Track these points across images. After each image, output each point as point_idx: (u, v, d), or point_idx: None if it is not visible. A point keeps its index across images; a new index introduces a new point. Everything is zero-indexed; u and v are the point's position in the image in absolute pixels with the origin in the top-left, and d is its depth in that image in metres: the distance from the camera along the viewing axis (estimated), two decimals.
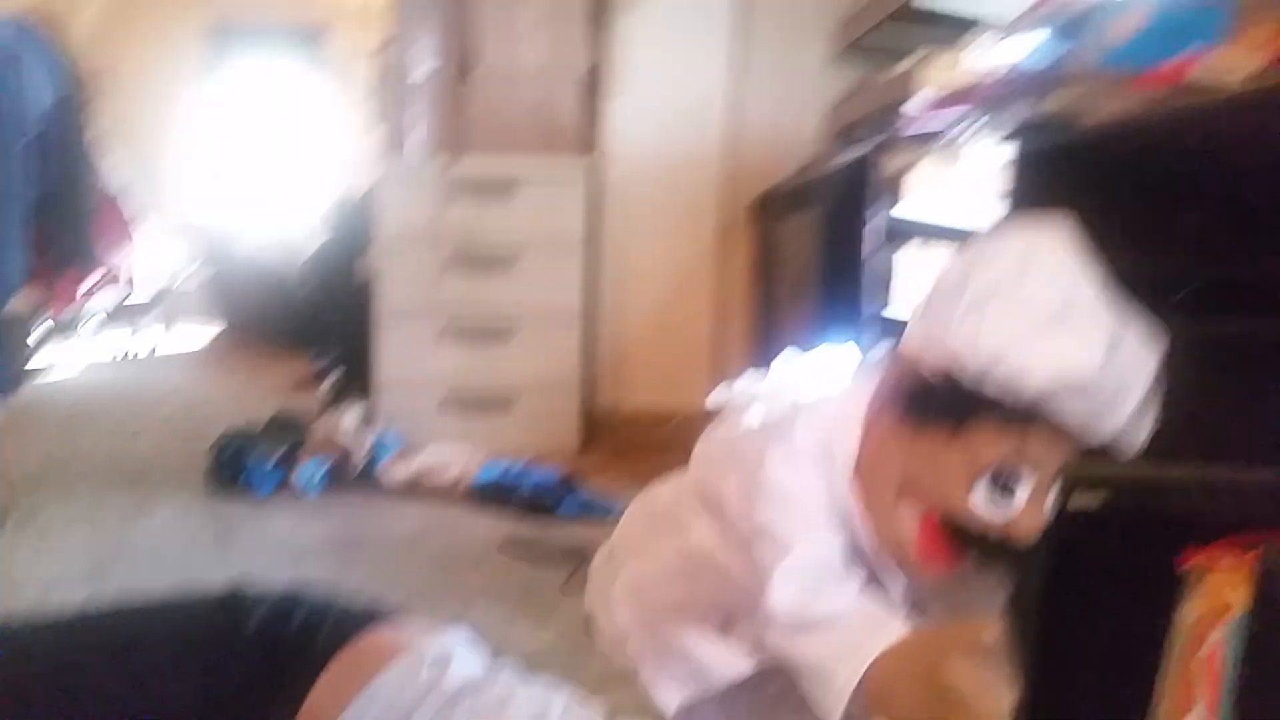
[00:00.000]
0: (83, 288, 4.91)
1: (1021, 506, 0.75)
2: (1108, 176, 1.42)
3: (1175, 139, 1.25)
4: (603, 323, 3.45)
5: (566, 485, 2.53)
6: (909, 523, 0.78)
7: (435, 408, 3.07)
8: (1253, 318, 1.18)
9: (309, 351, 4.44)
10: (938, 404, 0.76)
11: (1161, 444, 1.14)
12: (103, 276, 4.77)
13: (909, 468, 0.78)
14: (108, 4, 5.63)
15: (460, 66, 3.29)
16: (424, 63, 3.30)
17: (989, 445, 0.74)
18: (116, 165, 4.85)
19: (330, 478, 2.70)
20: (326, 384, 3.50)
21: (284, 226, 5.81)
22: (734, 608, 0.89)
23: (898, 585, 0.83)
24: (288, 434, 2.97)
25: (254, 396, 4.03)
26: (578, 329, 3.16)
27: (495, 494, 2.54)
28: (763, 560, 0.77)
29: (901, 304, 2.11)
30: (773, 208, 3.10)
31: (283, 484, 2.63)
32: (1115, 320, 0.74)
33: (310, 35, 7.21)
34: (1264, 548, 0.93)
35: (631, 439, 3.26)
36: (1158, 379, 0.77)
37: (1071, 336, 0.72)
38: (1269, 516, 1.04)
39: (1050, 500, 0.77)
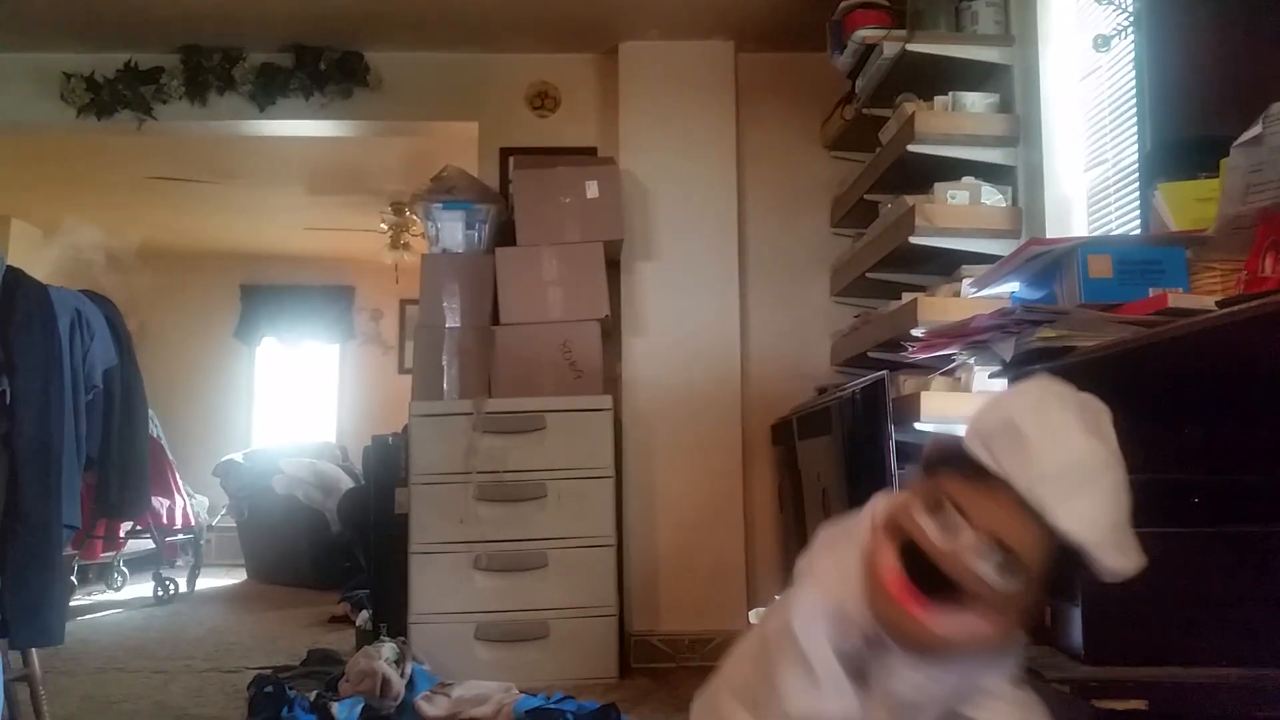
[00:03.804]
0: (125, 530, 5.02)
1: (960, 540, 0.97)
2: (1107, 397, 1.57)
3: (1165, 359, 1.41)
4: (635, 548, 3.55)
5: (608, 715, 2.53)
6: (886, 566, 1.00)
7: (470, 639, 3.11)
8: (1266, 519, 1.30)
9: (342, 589, 4.48)
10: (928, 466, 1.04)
11: (1194, 645, 1.24)
12: (144, 519, 4.90)
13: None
14: (150, 268, 6.04)
15: (485, 318, 3.54)
16: (451, 315, 3.55)
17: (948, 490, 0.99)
18: (157, 414, 5.08)
19: (367, 713, 2.70)
20: (361, 619, 3.53)
21: (318, 468, 5.98)
22: None
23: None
24: (324, 670, 3.00)
25: (288, 634, 4.04)
26: (610, 556, 3.24)
27: None
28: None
29: None
30: (793, 430, 3.26)
31: None
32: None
33: (339, 292, 7.69)
34: None
35: (673, 662, 3.29)
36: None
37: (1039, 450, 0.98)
38: None
39: (986, 556, 0.96)
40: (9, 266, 2.49)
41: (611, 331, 3.68)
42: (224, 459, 6.16)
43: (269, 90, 4.01)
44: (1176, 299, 1.44)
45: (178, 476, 5.39)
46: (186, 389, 7.13)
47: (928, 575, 0.98)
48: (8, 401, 2.44)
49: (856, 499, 2.44)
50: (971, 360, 1.87)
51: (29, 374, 2.45)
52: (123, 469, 3.06)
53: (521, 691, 2.77)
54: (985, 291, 2.14)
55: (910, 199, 2.88)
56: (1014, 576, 0.96)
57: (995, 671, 1.08)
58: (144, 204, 6.24)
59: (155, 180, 5.72)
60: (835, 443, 2.64)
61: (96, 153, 5.29)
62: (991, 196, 2.87)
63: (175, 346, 7.20)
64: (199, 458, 6.42)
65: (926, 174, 2.92)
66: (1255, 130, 1.42)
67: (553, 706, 2.58)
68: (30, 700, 2.22)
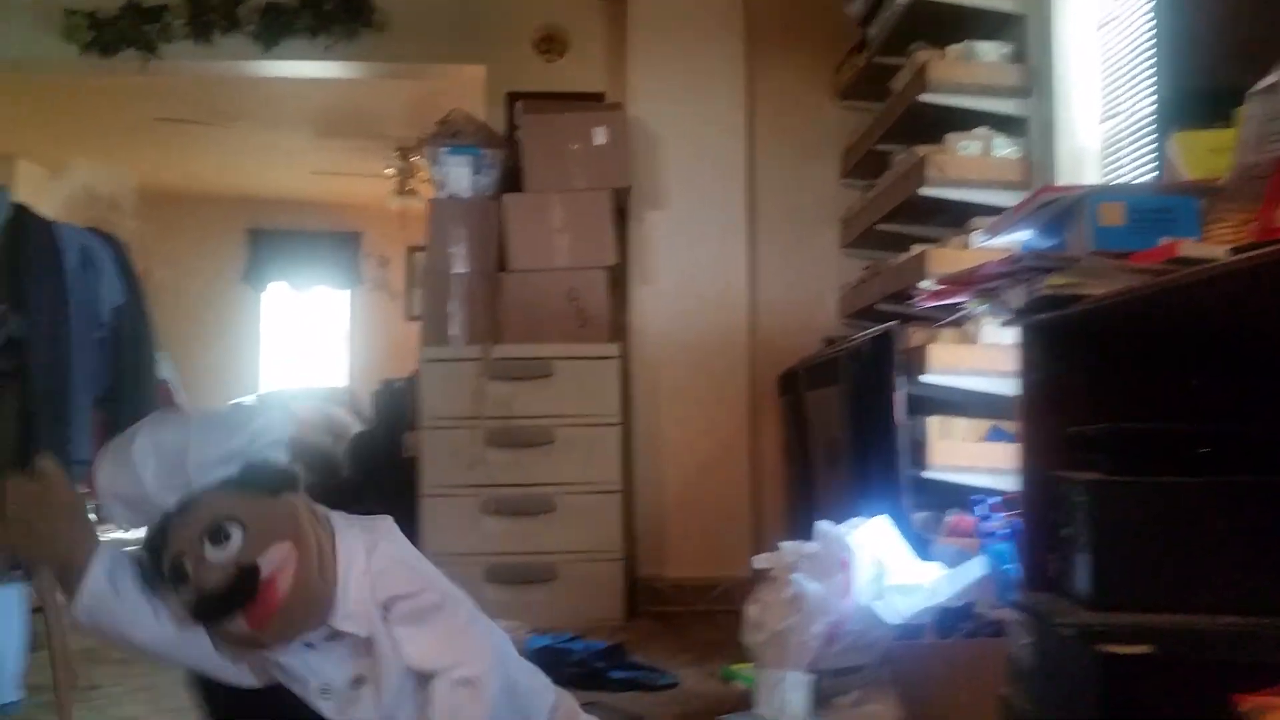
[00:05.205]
0: None
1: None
2: (1115, 346, 1.59)
3: (1175, 308, 1.41)
4: (643, 495, 3.59)
5: (614, 654, 2.58)
6: None
7: (480, 580, 3.15)
8: (1273, 470, 1.30)
9: None
10: None
11: (1201, 593, 1.25)
12: None
13: None
14: (157, 211, 6.02)
15: (493, 263, 3.54)
16: (459, 261, 3.55)
17: None
18: (166, 358, 5.10)
19: None
20: None
21: (328, 412, 6.01)
22: None
23: None
24: None
25: None
26: (616, 502, 3.28)
27: (544, 664, 2.58)
28: None
29: (935, 467, 2.23)
30: (800, 381, 3.28)
31: None
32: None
33: (346, 238, 7.69)
34: None
35: (677, 608, 3.35)
36: None
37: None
38: None
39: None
40: (15, 204, 2.48)
41: (619, 279, 3.68)
42: (233, 402, 6.19)
43: (274, 30, 3.98)
44: (1187, 248, 1.44)
45: None
46: (193, 333, 7.15)
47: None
48: (17, 339, 2.46)
49: (863, 450, 2.47)
50: (980, 310, 1.88)
51: (37, 311, 2.46)
52: (133, 406, 3.08)
53: (532, 631, 2.81)
54: (996, 241, 2.14)
55: (921, 150, 2.87)
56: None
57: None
58: (149, 145, 6.21)
59: (161, 122, 5.69)
60: (843, 394, 2.65)
61: (101, 93, 5.25)
62: (1003, 148, 2.85)
63: (181, 291, 7.19)
64: (206, 402, 6.46)
65: (938, 124, 2.90)
66: (1272, 78, 1.41)
67: (562, 645, 2.63)
68: (47, 632, 2.26)
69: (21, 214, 2.48)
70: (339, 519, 1.23)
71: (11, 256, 2.52)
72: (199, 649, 1.19)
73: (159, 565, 1.15)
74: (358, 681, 1.20)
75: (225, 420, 1.23)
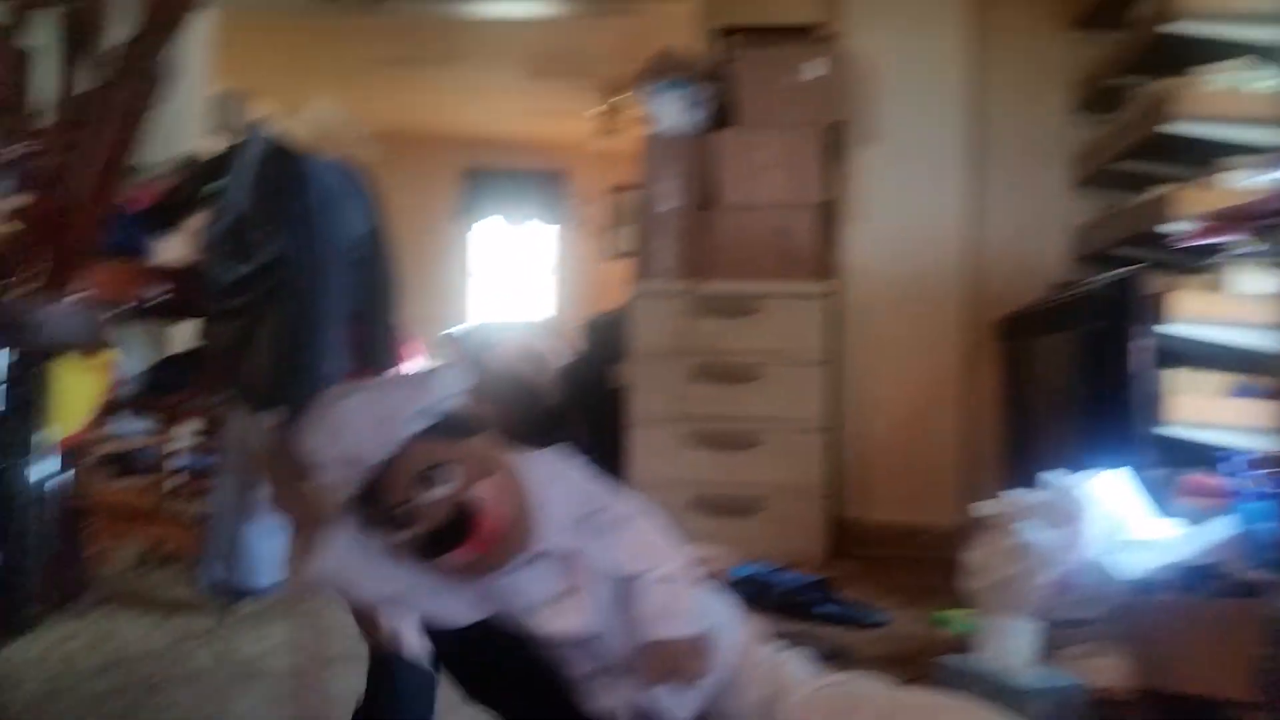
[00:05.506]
0: None
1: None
2: None
3: None
4: (848, 436, 3.57)
5: (821, 588, 2.61)
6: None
7: (685, 508, 3.24)
8: None
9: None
10: None
11: None
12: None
13: None
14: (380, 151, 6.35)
15: (703, 200, 3.57)
16: (670, 198, 3.59)
17: None
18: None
19: None
20: None
21: (533, 344, 6.26)
22: None
23: None
24: None
25: None
26: (818, 440, 3.29)
27: (748, 592, 2.63)
28: None
29: (1175, 423, 2.12)
30: (1023, 327, 3.16)
31: None
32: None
33: (554, 177, 7.93)
34: None
35: (879, 551, 3.33)
36: None
37: None
38: None
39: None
40: (270, 138, 2.69)
41: (832, 217, 3.62)
42: (441, 334, 6.52)
43: None
44: None
45: (416, 345, 5.73)
46: (411, 268, 7.54)
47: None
48: (275, 261, 2.67)
49: (1095, 401, 2.37)
50: (1250, 250, 1.75)
51: (293, 236, 2.65)
52: (380, 327, 3.30)
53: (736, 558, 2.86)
54: (1258, 179, 1.99)
55: (1166, 83, 2.68)
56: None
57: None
58: (371, 86, 6.53)
59: (382, 63, 5.97)
60: (1075, 341, 2.54)
61: (327, 34, 5.57)
62: (1260, 80, 2.61)
63: (401, 227, 7.59)
64: (427, 332, 6.83)
65: (1184, 56, 2.68)
66: None
67: (763, 580, 2.66)
68: None
69: (275, 147, 2.69)
70: (522, 452, 1.33)
71: (268, 186, 2.73)
72: (422, 591, 1.28)
73: (375, 517, 1.24)
74: (562, 595, 1.27)
75: (416, 379, 1.33)
